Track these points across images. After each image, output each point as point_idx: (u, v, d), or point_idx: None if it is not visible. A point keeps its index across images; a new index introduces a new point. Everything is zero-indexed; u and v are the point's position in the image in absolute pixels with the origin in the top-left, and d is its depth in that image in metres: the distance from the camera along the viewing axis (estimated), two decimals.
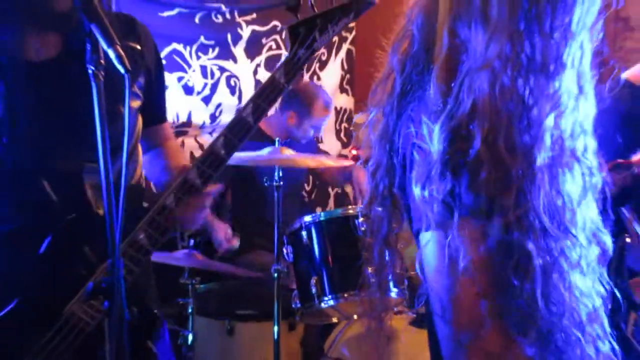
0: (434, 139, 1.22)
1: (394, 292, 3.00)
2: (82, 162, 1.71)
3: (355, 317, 3.21)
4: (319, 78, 4.85)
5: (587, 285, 1.29)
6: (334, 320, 3.29)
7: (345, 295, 2.96)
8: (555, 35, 1.24)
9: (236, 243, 3.57)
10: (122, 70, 1.42)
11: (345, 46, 5.05)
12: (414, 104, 1.33)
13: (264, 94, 1.79)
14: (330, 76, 4.97)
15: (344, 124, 5.16)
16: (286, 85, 1.83)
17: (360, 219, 3.02)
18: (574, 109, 1.27)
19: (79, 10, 1.48)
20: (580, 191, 1.29)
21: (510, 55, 1.23)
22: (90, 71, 1.43)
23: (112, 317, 1.39)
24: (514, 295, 1.21)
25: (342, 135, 5.14)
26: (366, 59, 5.34)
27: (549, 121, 1.23)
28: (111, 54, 1.42)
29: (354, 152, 4.97)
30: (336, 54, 5.00)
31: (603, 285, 1.32)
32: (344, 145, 5.15)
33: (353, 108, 5.24)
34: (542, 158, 1.21)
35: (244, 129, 1.77)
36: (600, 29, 1.32)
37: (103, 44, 1.44)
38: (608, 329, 1.33)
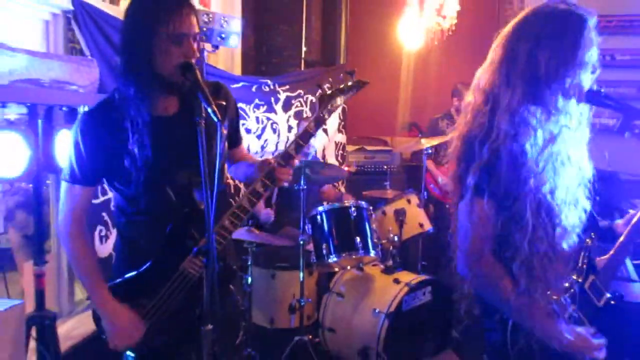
0: (476, 149, 1.32)
1: (372, 252, 3.05)
2: (191, 176, 1.68)
3: (348, 267, 3.24)
4: (325, 124, 4.89)
5: (563, 237, 1.34)
6: (336, 269, 3.33)
7: (343, 255, 3.01)
8: (559, 95, 1.31)
9: (272, 217, 3.62)
10: (215, 120, 1.43)
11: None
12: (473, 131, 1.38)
13: (302, 138, 1.75)
14: (332, 122, 5.02)
15: (340, 151, 5.19)
16: (314, 133, 1.79)
17: (352, 209, 3.07)
18: (566, 138, 1.33)
19: (190, 83, 1.52)
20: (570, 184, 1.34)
21: (523, 102, 1.31)
22: (196, 121, 1.46)
23: (209, 269, 1.44)
24: (507, 239, 1.30)
25: (339, 158, 5.16)
26: (353, 112, 5.46)
27: (549, 142, 1.30)
28: (209, 110, 1.44)
29: (346, 168, 5.12)
30: None
31: (577, 239, 1.37)
32: (340, 165, 5.16)
33: (345, 142, 5.27)
34: (541, 163, 1.28)
35: (288, 158, 1.73)
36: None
37: (204, 104, 1.45)
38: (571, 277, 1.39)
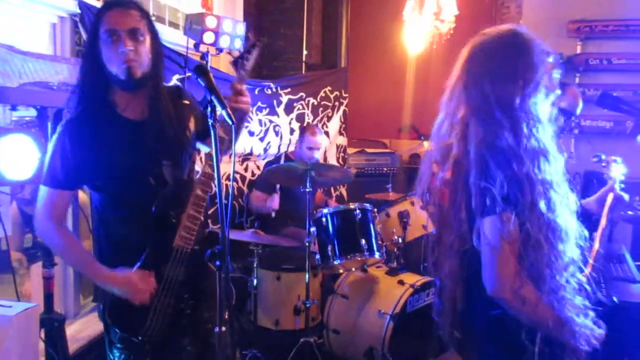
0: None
1: (377, 254, 3.04)
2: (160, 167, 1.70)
3: (353, 269, 3.23)
4: (327, 127, 4.87)
5: (570, 251, 1.34)
6: (341, 271, 3.29)
7: (348, 256, 3.01)
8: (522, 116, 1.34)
9: (277, 205, 3.58)
10: (230, 123, 1.41)
11: (342, 107, 5.08)
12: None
13: None
14: (334, 125, 4.99)
15: (341, 154, 5.16)
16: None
17: (357, 211, 3.05)
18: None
19: (205, 88, 1.44)
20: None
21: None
22: (210, 123, 1.42)
23: (222, 270, 1.45)
24: (527, 256, 1.29)
25: (340, 160, 5.12)
26: (353, 115, 5.44)
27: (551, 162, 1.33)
28: (224, 113, 1.41)
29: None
30: (337, 112, 5.02)
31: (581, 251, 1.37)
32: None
33: (346, 144, 5.25)
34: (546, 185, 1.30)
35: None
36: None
37: (220, 107, 1.41)
38: (579, 279, 1.37)
